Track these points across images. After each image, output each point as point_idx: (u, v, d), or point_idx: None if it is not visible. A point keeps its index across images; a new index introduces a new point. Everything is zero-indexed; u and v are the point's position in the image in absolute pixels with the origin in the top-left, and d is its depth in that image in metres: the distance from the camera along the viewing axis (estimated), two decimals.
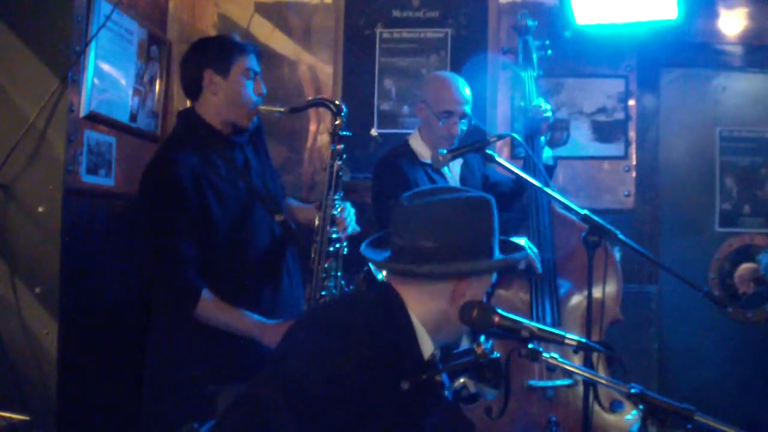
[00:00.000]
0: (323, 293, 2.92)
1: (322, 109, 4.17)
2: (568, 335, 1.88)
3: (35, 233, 3.10)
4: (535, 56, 3.63)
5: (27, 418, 2.67)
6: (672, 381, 4.05)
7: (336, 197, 3.00)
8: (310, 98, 3.24)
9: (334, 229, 2.96)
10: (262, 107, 3.01)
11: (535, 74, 3.61)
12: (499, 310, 1.89)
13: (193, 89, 2.97)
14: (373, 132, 3.79)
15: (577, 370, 1.89)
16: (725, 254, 4.17)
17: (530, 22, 3.64)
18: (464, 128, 3.42)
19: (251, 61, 2.97)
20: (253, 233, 2.95)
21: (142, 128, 3.80)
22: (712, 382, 4.04)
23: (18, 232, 3.10)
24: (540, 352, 1.84)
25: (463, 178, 3.52)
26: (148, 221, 2.84)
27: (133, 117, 3.71)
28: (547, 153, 3.58)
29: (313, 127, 4.24)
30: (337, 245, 2.95)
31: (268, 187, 3.09)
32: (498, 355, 1.93)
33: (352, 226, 3.02)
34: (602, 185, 4.14)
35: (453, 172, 3.52)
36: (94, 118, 3.36)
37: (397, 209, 1.99)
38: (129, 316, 3.61)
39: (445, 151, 3.03)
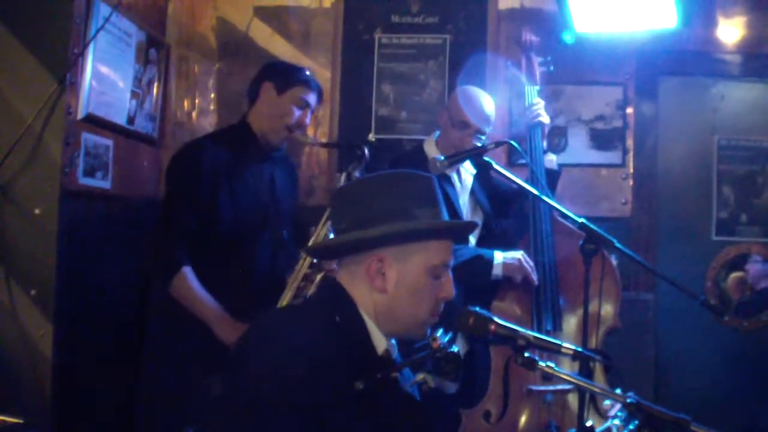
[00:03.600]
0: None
1: (320, 114, 4.19)
2: (565, 344, 1.88)
3: (32, 235, 3.09)
4: (537, 71, 3.68)
5: (21, 420, 2.66)
6: (668, 388, 4.05)
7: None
8: (341, 142, 3.56)
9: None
10: (298, 135, 3.25)
11: (537, 89, 3.64)
12: (496, 318, 1.88)
13: (252, 96, 3.27)
14: (371, 137, 3.78)
15: (572, 379, 1.88)
16: (722, 263, 4.18)
17: (533, 39, 3.66)
18: (478, 144, 3.42)
19: (309, 96, 3.22)
20: (255, 241, 3.13)
21: (140, 131, 3.79)
22: (709, 389, 4.03)
23: (14, 234, 3.09)
24: (536, 361, 1.84)
25: (473, 190, 3.54)
26: (164, 195, 3.21)
27: (131, 120, 3.70)
28: (550, 157, 3.60)
29: (311, 132, 4.24)
30: (315, 270, 3.01)
31: (283, 207, 3.28)
32: (457, 348, 1.87)
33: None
34: (599, 193, 4.14)
35: (464, 181, 3.56)
36: (92, 121, 3.35)
37: (330, 199, 2.00)
38: (125, 319, 3.60)
39: (443, 158, 3.04)
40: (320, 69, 4.26)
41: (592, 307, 2.89)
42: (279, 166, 3.33)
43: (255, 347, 1.87)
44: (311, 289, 2.99)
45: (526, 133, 3.56)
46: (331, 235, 2.05)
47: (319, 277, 3.01)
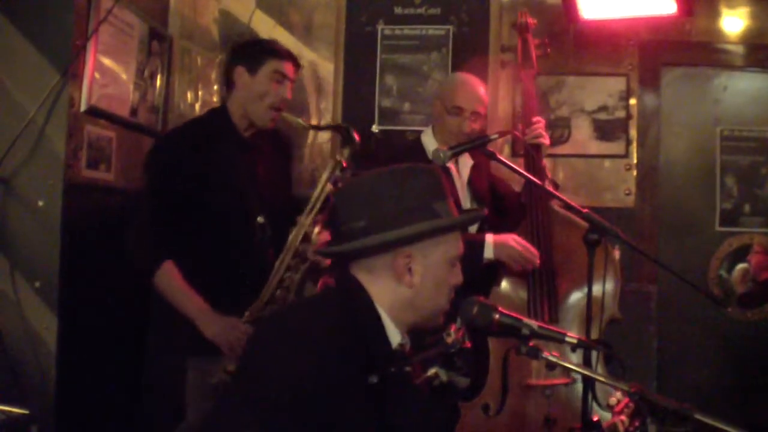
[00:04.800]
0: (273, 302, 2.99)
1: (323, 105, 4.19)
2: (569, 334, 1.88)
3: (35, 227, 3.09)
4: (534, 55, 3.64)
5: (26, 411, 2.66)
6: (671, 380, 4.05)
7: (316, 219, 3.05)
8: (332, 123, 3.37)
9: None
10: (287, 115, 3.12)
11: (534, 73, 3.62)
12: (500, 308, 1.89)
13: (227, 84, 3.18)
14: (374, 128, 3.78)
15: (576, 368, 1.89)
16: (725, 254, 4.18)
17: (530, 21, 3.64)
18: (477, 129, 3.43)
19: (284, 67, 3.11)
20: (236, 231, 3.08)
21: (143, 123, 3.79)
22: (712, 381, 4.04)
23: (18, 227, 3.09)
24: (540, 351, 1.84)
25: (470, 181, 3.53)
26: (144, 190, 3.11)
27: (134, 112, 3.70)
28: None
29: (314, 123, 4.24)
30: (300, 261, 3.02)
31: (268, 194, 3.19)
32: (469, 344, 1.91)
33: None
34: (602, 184, 4.14)
35: (462, 172, 3.53)
36: (95, 113, 3.35)
37: (334, 196, 2.00)
38: (128, 311, 3.61)
39: (447, 149, 3.04)
40: (323, 61, 4.26)
41: (593, 297, 2.87)
42: (264, 154, 3.26)
43: (268, 341, 1.87)
44: (296, 280, 2.99)
45: (525, 151, 3.54)
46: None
47: (303, 267, 3.00)
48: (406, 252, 1.89)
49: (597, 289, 3.00)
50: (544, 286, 3.31)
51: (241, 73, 3.10)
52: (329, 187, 3.05)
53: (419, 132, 3.65)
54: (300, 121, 3.13)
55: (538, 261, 3.25)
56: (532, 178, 2.95)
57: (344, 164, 3.09)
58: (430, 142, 3.50)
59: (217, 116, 3.16)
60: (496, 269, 3.32)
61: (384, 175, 1.96)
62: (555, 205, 3.41)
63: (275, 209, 3.22)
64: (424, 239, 1.90)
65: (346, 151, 3.10)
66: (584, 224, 2.77)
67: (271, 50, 3.12)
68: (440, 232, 1.92)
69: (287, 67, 3.13)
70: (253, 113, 3.10)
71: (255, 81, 3.08)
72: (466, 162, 3.56)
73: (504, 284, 3.35)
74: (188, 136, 3.13)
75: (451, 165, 3.46)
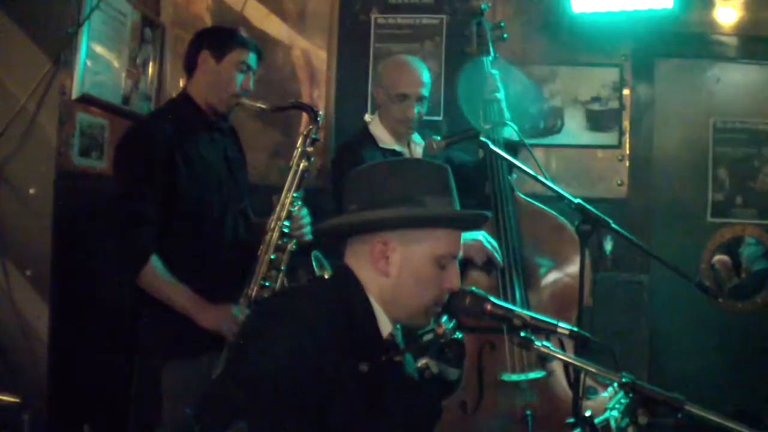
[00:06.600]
0: (266, 283, 2.98)
1: (316, 94, 4.18)
2: (561, 324, 1.88)
3: (27, 216, 3.08)
4: (490, 39, 3.55)
5: (18, 399, 2.66)
6: (662, 370, 4.07)
7: (296, 195, 3.06)
8: (291, 100, 3.31)
9: (287, 222, 3.02)
10: (246, 101, 3.09)
11: (490, 58, 3.53)
12: (492, 298, 1.89)
13: (189, 67, 3.11)
14: (367, 117, 3.77)
15: (569, 359, 1.89)
16: (717, 245, 4.19)
17: (484, 6, 3.56)
18: (423, 111, 3.39)
19: (249, 58, 3.08)
20: (217, 216, 3.03)
21: (135, 111, 3.77)
22: (702, 370, 4.05)
23: (9, 215, 3.08)
24: (532, 341, 1.84)
25: None
26: (115, 183, 2.93)
27: (126, 99, 3.68)
28: (508, 131, 3.44)
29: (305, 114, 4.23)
30: (286, 240, 3.02)
31: (238, 177, 3.18)
32: (460, 335, 1.90)
33: (307, 231, 3.07)
34: (595, 174, 4.15)
35: (415, 155, 3.47)
36: (87, 101, 3.34)
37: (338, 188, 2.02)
38: (120, 299, 3.60)
39: (438, 138, 3.03)
40: (316, 49, 4.25)
41: (566, 285, 2.83)
42: (229, 138, 3.23)
43: (261, 327, 1.87)
44: (285, 260, 2.99)
45: (480, 108, 3.45)
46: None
47: (290, 245, 3.00)
48: (382, 238, 1.87)
49: (571, 276, 2.98)
50: (514, 277, 3.25)
51: (205, 58, 3.05)
52: (303, 163, 3.07)
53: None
54: (259, 105, 3.11)
55: (500, 264, 3.23)
56: (526, 168, 2.93)
57: (314, 138, 3.11)
58: (378, 130, 3.45)
59: (183, 104, 3.09)
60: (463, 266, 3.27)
61: (386, 164, 1.99)
62: (519, 195, 3.37)
63: (246, 191, 3.23)
64: (402, 228, 1.87)
65: (314, 126, 3.11)
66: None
67: (239, 39, 3.09)
68: (421, 224, 1.88)
69: (252, 59, 3.10)
70: (216, 99, 3.07)
71: (219, 68, 3.04)
72: (418, 143, 3.49)
73: (474, 274, 3.28)
74: (160, 124, 3.00)
75: (405, 150, 3.44)
